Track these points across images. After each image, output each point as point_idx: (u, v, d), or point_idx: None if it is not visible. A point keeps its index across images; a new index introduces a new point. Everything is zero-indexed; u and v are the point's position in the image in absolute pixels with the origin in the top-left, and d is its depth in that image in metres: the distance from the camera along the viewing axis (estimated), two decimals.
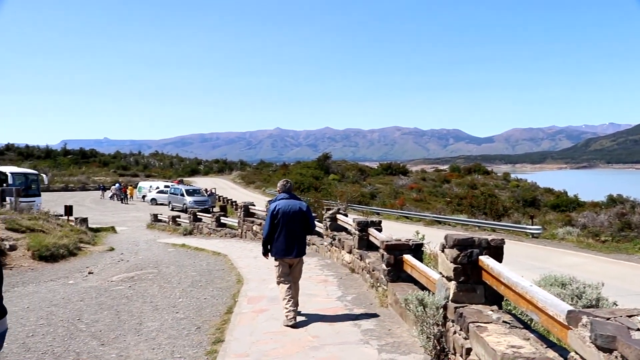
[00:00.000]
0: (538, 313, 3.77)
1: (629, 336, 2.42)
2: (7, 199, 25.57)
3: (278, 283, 7.28)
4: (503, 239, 5.23)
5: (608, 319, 2.65)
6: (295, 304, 7.17)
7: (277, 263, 7.23)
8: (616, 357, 2.46)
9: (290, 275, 7.26)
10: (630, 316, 2.66)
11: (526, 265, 14.61)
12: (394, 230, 12.70)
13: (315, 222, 14.91)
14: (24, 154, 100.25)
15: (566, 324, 3.11)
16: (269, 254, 7.28)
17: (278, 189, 7.53)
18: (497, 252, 5.12)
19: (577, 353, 2.81)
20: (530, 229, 24.08)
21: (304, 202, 7.54)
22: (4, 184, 29.84)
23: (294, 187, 8.00)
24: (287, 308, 7.00)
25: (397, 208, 39.48)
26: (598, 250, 19.29)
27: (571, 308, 3.24)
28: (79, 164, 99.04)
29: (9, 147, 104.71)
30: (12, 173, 31.93)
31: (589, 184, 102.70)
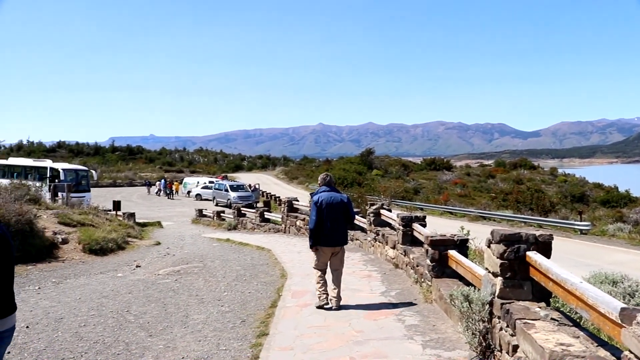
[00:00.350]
0: (588, 310, 3.67)
1: None
2: (59, 194, 26.44)
3: (314, 268, 7.77)
4: (551, 235, 5.12)
5: None
6: (335, 286, 7.68)
7: (316, 251, 7.67)
8: None
9: (331, 264, 7.77)
10: None
11: (574, 262, 14.27)
12: (437, 225, 12.57)
13: (359, 217, 14.96)
14: (74, 151, 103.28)
15: (619, 322, 3.02)
16: (314, 245, 7.62)
17: (319, 182, 7.91)
18: (545, 248, 5.02)
19: (631, 352, 2.73)
20: (578, 225, 23.49)
21: (344, 195, 7.99)
22: (56, 180, 30.84)
23: (336, 182, 8.28)
24: (319, 290, 7.62)
25: (441, 203, 39.10)
26: None
27: (624, 305, 3.15)
28: (126, 160, 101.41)
29: (60, 145, 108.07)
30: (63, 169, 32.98)
31: None
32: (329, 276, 7.81)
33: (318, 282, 7.68)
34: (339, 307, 7.57)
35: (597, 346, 3.92)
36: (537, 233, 5.11)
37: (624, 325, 2.90)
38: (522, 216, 27.93)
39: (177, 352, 6.18)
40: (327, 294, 7.60)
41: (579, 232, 22.83)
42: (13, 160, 39.69)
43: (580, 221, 24.48)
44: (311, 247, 7.70)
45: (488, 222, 28.50)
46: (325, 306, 7.55)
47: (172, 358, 6.00)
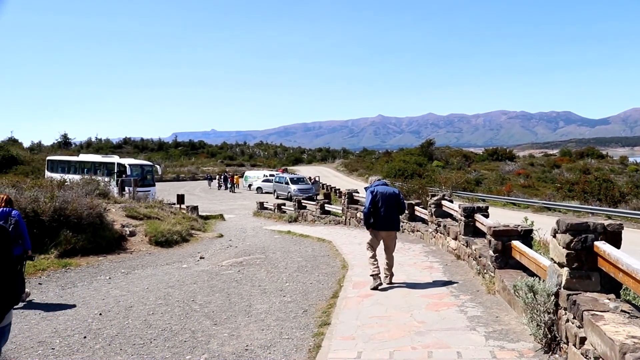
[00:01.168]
0: None
1: None
2: (126, 188, 27.39)
3: (367, 249, 8.77)
4: (621, 224, 4.97)
5: None
6: (384, 265, 8.73)
7: (370, 234, 8.74)
8: None
9: (385, 247, 8.74)
10: None
11: None
12: (500, 217, 12.34)
13: (420, 209, 14.86)
14: (139, 147, 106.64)
15: None
16: (371, 227, 8.65)
17: (370, 181, 9.13)
18: (614, 238, 4.87)
19: None
20: None
21: (396, 188, 9.14)
22: (123, 175, 31.97)
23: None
24: (372, 265, 8.52)
25: (504, 194, 38.24)
26: None
27: None
28: (188, 155, 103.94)
29: (125, 141, 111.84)
30: (130, 165, 34.14)
31: None
32: (381, 258, 8.71)
33: (370, 261, 8.60)
34: (391, 284, 8.58)
35: None
36: (606, 222, 4.96)
37: None
38: (590, 207, 26.99)
39: (241, 340, 6.34)
40: (379, 268, 8.51)
41: None
42: (83, 157, 41.39)
43: None
44: (367, 228, 8.75)
45: (553, 213, 27.69)
46: (376, 279, 8.43)
47: (236, 345, 6.15)
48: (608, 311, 4.34)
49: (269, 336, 6.43)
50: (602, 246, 4.67)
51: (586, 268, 4.86)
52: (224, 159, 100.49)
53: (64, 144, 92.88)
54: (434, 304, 7.22)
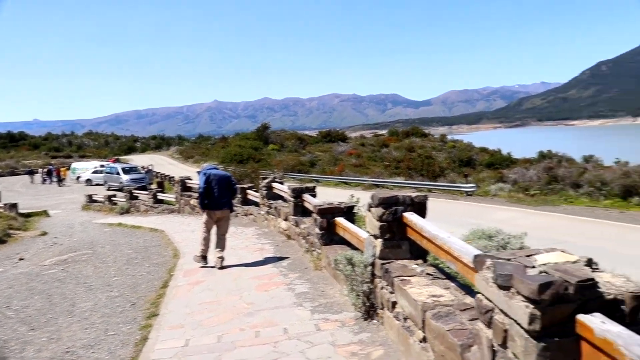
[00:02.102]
0: (455, 262, 3.91)
1: (524, 273, 2.54)
2: None
3: (202, 231, 9.03)
4: (426, 195, 5.36)
5: (509, 259, 2.77)
6: (219, 249, 8.94)
7: (205, 215, 9.01)
8: (513, 293, 2.58)
9: (218, 228, 9.01)
10: (529, 255, 2.79)
11: (460, 222, 15.03)
12: (331, 196, 12.79)
13: (252, 192, 14.96)
14: None
15: (474, 267, 3.24)
16: (206, 208, 8.91)
17: (202, 167, 9.38)
18: (420, 208, 5.24)
19: (482, 294, 2.94)
20: (464, 187, 24.72)
21: (228, 172, 9.69)
22: None
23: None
24: (203, 246, 8.97)
25: (337, 174, 39.77)
26: (527, 204, 20.07)
27: (477, 252, 3.38)
28: (7, 148, 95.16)
29: None
30: None
31: (522, 142, 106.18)
32: (213, 239, 9.01)
33: (203, 240, 8.97)
34: (222, 267, 8.67)
35: (464, 294, 4.19)
36: (413, 194, 5.34)
37: (477, 270, 3.10)
38: (414, 182, 29.00)
39: (62, 343, 5.94)
40: (208, 249, 8.98)
41: (465, 194, 24.04)
42: None
43: (466, 184, 25.75)
44: (202, 209, 8.99)
45: (381, 189, 29.33)
46: (204, 260, 8.98)
47: (55, 349, 5.75)
48: (415, 275, 4.70)
49: (93, 335, 6.11)
50: (409, 217, 5.02)
51: (397, 238, 5.20)
52: (48, 150, 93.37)
53: None
54: (264, 285, 7.32)
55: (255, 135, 79.55)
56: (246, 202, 15.36)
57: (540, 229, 14.14)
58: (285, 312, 5.95)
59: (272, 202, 12.62)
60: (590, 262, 2.77)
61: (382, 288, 5.08)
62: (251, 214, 14.41)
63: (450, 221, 14.83)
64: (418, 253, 5.22)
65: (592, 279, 2.50)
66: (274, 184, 12.86)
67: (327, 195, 14.05)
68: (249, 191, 15.44)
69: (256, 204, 14.57)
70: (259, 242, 10.86)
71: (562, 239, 12.99)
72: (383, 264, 5.09)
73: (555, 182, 22.23)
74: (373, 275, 5.35)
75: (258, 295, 6.82)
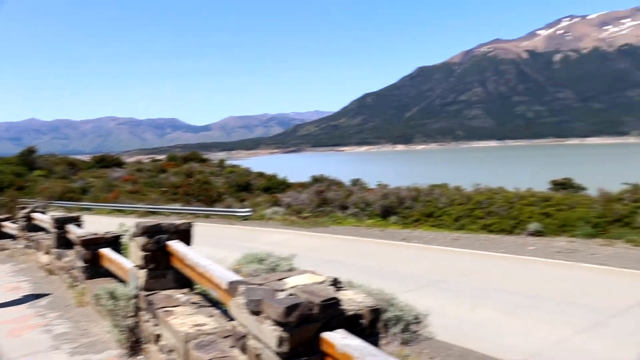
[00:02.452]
0: (216, 289, 3.92)
1: (274, 297, 2.64)
2: None
3: None
4: (190, 223, 5.33)
5: (261, 284, 2.85)
6: None
7: None
8: (263, 317, 2.66)
9: None
10: (281, 279, 2.91)
11: (234, 246, 15.23)
12: (103, 224, 12.06)
13: (9, 224, 13.51)
14: None
15: (231, 294, 3.28)
16: None
17: None
18: (185, 236, 5.20)
19: (237, 320, 2.98)
20: (240, 212, 25.13)
21: None
22: None
23: None
24: None
25: (111, 202, 37.81)
26: (300, 226, 21.07)
27: (234, 279, 3.44)
28: None
29: None
30: None
31: (298, 167, 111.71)
32: None
33: None
34: None
35: (228, 321, 4.21)
36: (178, 222, 5.26)
37: (233, 296, 3.15)
38: (191, 208, 28.73)
39: None
40: None
41: (241, 218, 24.43)
42: None
43: (243, 208, 26.21)
44: None
45: (157, 216, 28.51)
46: None
47: None
48: (180, 305, 4.62)
49: None
50: (173, 245, 4.93)
51: (162, 267, 5.07)
52: None
53: None
54: (17, 329, 6.56)
55: (19, 159, 72.22)
56: (2, 235, 13.81)
57: (313, 250, 14.93)
58: (40, 359, 5.41)
59: (32, 234, 11.50)
60: (335, 282, 2.98)
61: (146, 321, 4.89)
62: (7, 249, 12.97)
63: (226, 245, 14.95)
64: (184, 282, 5.15)
65: (335, 298, 2.69)
66: (34, 214, 11.75)
67: (100, 224, 13.25)
68: (4, 223, 13.92)
69: (13, 237, 13.17)
70: (14, 280, 9.76)
71: (332, 257, 13.83)
72: (147, 295, 4.92)
73: (326, 204, 23.71)
74: (138, 308, 5.14)
75: (8, 342, 6.10)
